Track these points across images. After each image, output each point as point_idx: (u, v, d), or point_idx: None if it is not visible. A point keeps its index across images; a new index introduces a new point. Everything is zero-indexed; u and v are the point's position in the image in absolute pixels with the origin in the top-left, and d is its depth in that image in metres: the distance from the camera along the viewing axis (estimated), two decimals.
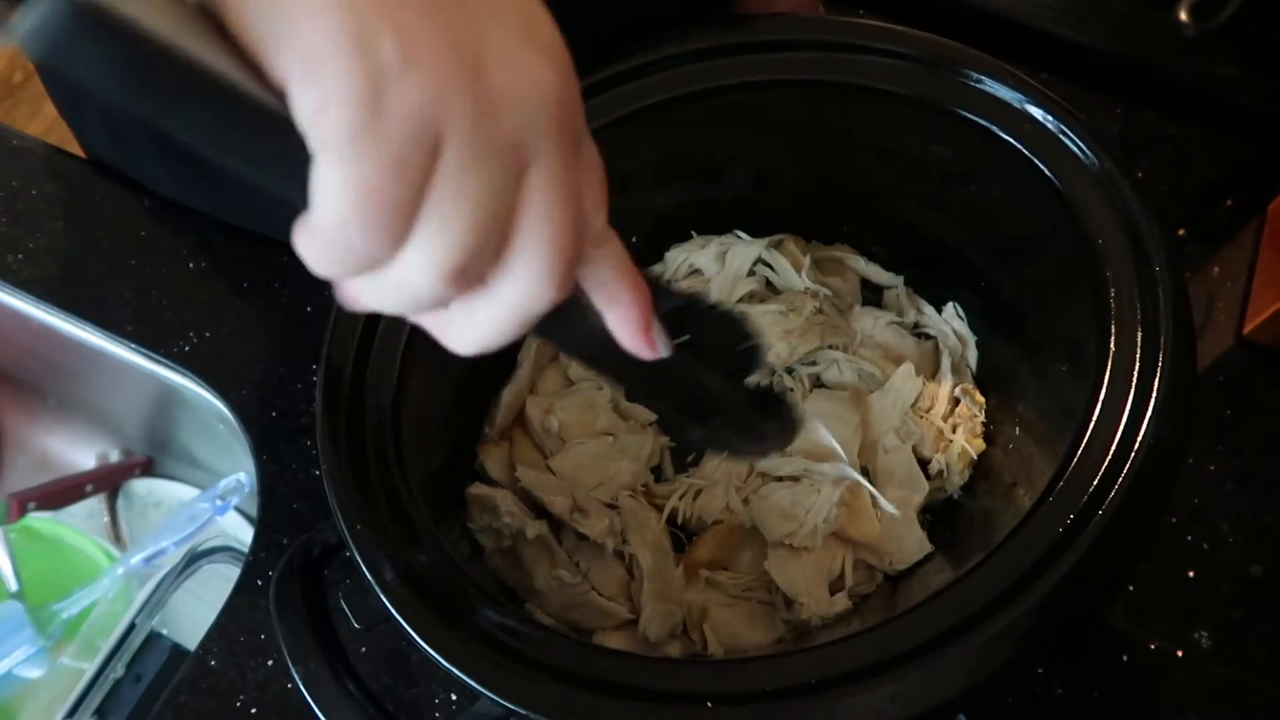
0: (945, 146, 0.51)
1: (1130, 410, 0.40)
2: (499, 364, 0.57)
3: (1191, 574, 0.55)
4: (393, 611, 0.40)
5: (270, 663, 0.56)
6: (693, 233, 0.60)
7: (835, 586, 0.51)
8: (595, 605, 0.51)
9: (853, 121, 0.53)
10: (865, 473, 0.53)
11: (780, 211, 0.59)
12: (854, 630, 0.40)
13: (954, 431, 0.54)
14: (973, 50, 0.49)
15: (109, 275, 0.68)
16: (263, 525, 0.60)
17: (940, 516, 0.54)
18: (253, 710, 0.55)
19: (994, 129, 0.47)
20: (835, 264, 0.60)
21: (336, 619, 0.44)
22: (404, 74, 0.22)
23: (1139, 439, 0.39)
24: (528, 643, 0.39)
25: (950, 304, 0.58)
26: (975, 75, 0.48)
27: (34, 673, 0.70)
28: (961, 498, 0.53)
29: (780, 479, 0.53)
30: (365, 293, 0.26)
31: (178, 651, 0.72)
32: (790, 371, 0.58)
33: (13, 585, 0.71)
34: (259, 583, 0.58)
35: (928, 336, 0.58)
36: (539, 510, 0.53)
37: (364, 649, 0.55)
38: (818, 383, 0.57)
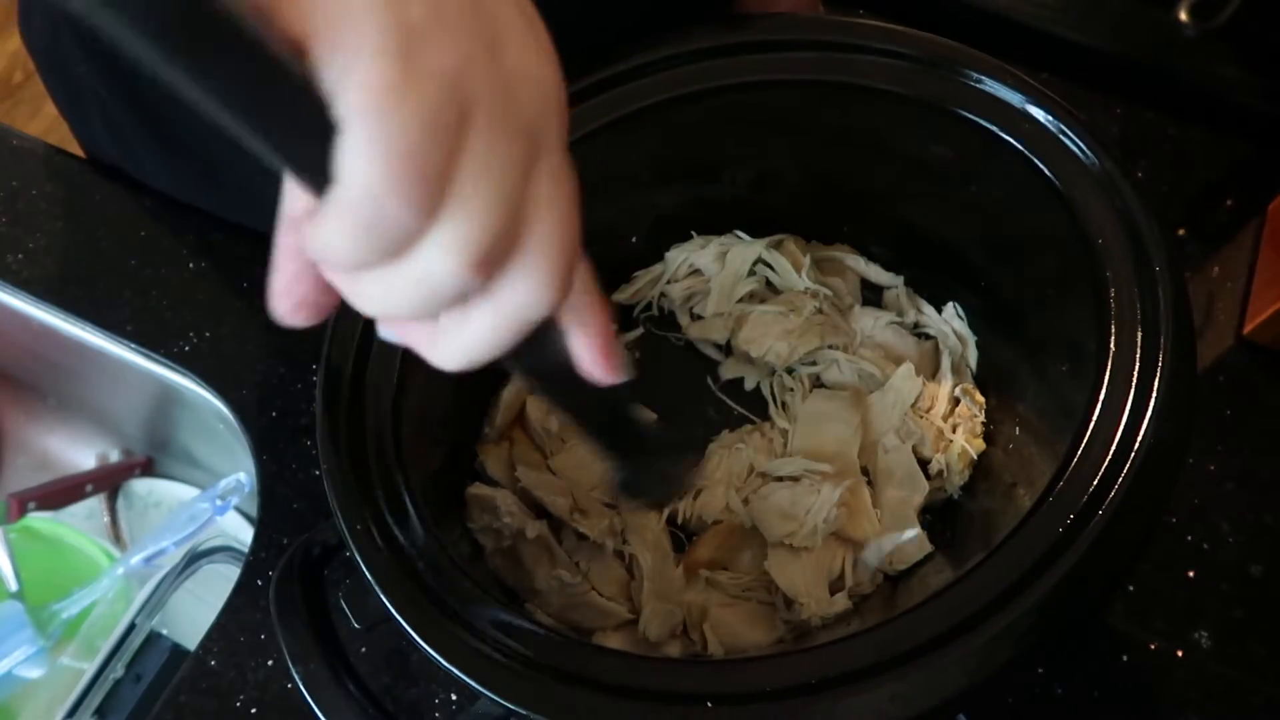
0: (945, 146, 0.51)
1: (1130, 410, 0.40)
2: (499, 364, 0.57)
3: (1191, 574, 0.55)
4: (393, 611, 0.40)
5: (270, 663, 0.56)
6: (693, 233, 0.60)
7: (835, 586, 0.51)
8: (595, 605, 0.51)
9: (853, 121, 0.53)
10: (865, 473, 0.53)
11: (780, 211, 0.59)
12: (854, 630, 0.40)
13: (954, 431, 0.54)
14: (973, 50, 0.49)
15: (109, 275, 0.68)
16: (263, 525, 0.60)
17: (940, 516, 0.54)
18: (253, 710, 0.55)
19: (994, 129, 0.47)
20: (835, 264, 0.60)
21: (336, 619, 0.44)
22: (434, 34, 0.22)
23: (1139, 439, 0.39)
24: (528, 643, 0.39)
25: (950, 304, 0.58)
26: (975, 75, 0.48)
27: (34, 673, 0.70)
28: (961, 498, 0.53)
29: (780, 479, 0.53)
30: (377, 291, 0.24)
31: (178, 651, 0.71)
32: (790, 371, 0.58)
33: (13, 585, 0.71)
34: (259, 583, 0.58)
35: (928, 336, 0.58)
36: (539, 510, 0.53)
37: (364, 649, 0.55)
38: (818, 383, 0.57)
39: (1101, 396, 0.41)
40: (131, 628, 0.67)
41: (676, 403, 0.58)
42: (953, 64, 0.49)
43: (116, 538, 0.85)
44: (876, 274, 0.60)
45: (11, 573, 0.72)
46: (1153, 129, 0.71)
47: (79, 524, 0.81)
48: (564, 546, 0.53)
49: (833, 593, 0.51)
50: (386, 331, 0.28)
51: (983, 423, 0.54)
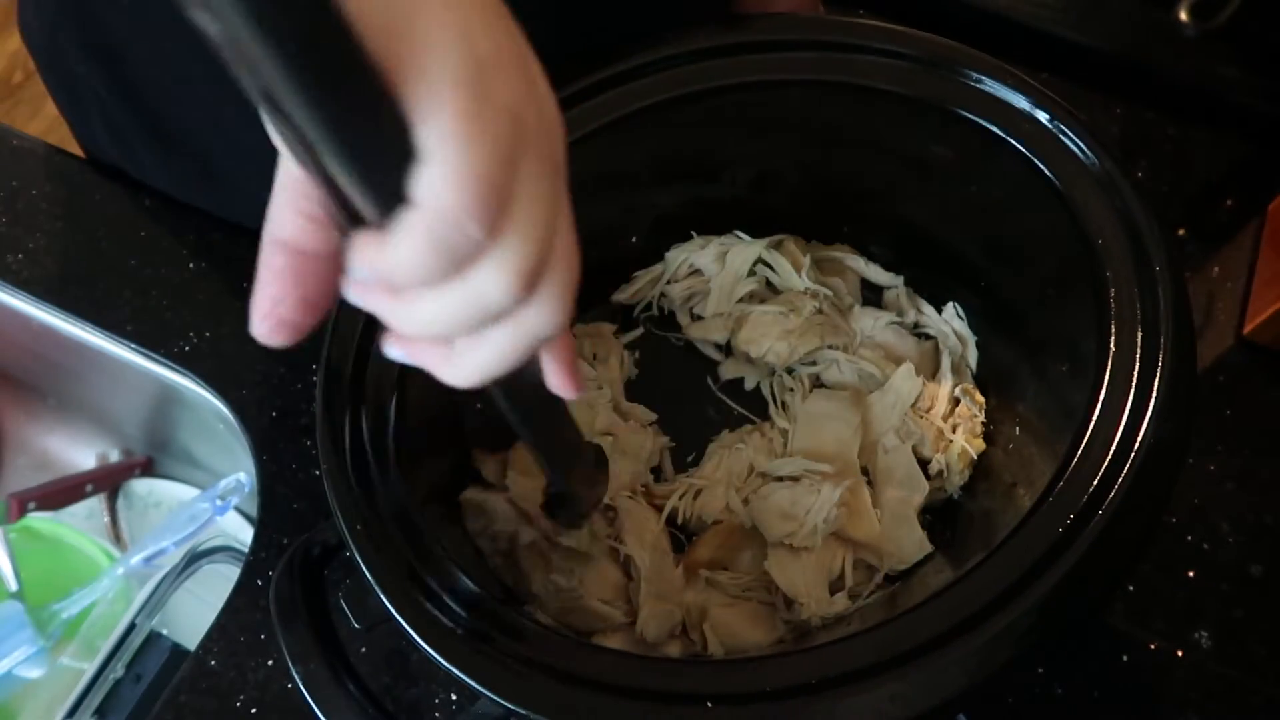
0: (945, 146, 0.51)
1: (1130, 410, 0.40)
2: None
3: (1191, 574, 0.55)
4: (393, 611, 0.40)
5: (270, 663, 0.56)
6: (693, 233, 0.60)
7: (835, 586, 0.51)
8: (591, 610, 0.51)
9: (853, 121, 0.53)
10: (865, 473, 0.53)
11: (780, 211, 0.59)
12: (854, 630, 0.40)
13: (954, 431, 0.54)
14: (973, 50, 0.49)
15: (109, 275, 0.68)
16: (263, 525, 0.60)
17: (940, 516, 0.54)
18: (253, 710, 0.55)
19: (994, 129, 0.47)
20: (835, 264, 0.60)
21: (336, 619, 0.44)
22: (499, 69, 0.24)
23: (1139, 439, 0.39)
24: (528, 643, 0.39)
25: (950, 304, 0.58)
26: (975, 75, 0.48)
27: (34, 673, 0.70)
28: (961, 498, 0.53)
29: (780, 479, 0.53)
30: (428, 309, 0.26)
31: (178, 651, 0.71)
32: (790, 371, 0.58)
33: (13, 585, 0.71)
34: (259, 583, 0.58)
35: (928, 336, 0.58)
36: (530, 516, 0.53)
37: (364, 649, 0.55)
38: (818, 383, 0.57)
39: (1101, 396, 0.41)
40: (131, 628, 0.67)
41: (676, 403, 0.58)
42: (953, 64, 0.49)
43: (116, 538, 0.85)
44: (876, 274, 0.60)
45: (11, 573, 0.72)
46: (1153, 129, 0.71)
47: (79, 524, 0.81)
48: (559, 551, 0.53)
49: (833, 593, 0.51)
50: (394, 351, 0.29)
51: (983, 423, 0.54)
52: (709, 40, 0.51)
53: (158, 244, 0.69)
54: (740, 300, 0.59)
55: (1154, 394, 0.40)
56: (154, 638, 0.71)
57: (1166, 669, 0.53)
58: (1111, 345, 0.42)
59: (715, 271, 0.59)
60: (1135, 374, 0.41)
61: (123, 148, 0.69)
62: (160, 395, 0.71)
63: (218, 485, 0.70)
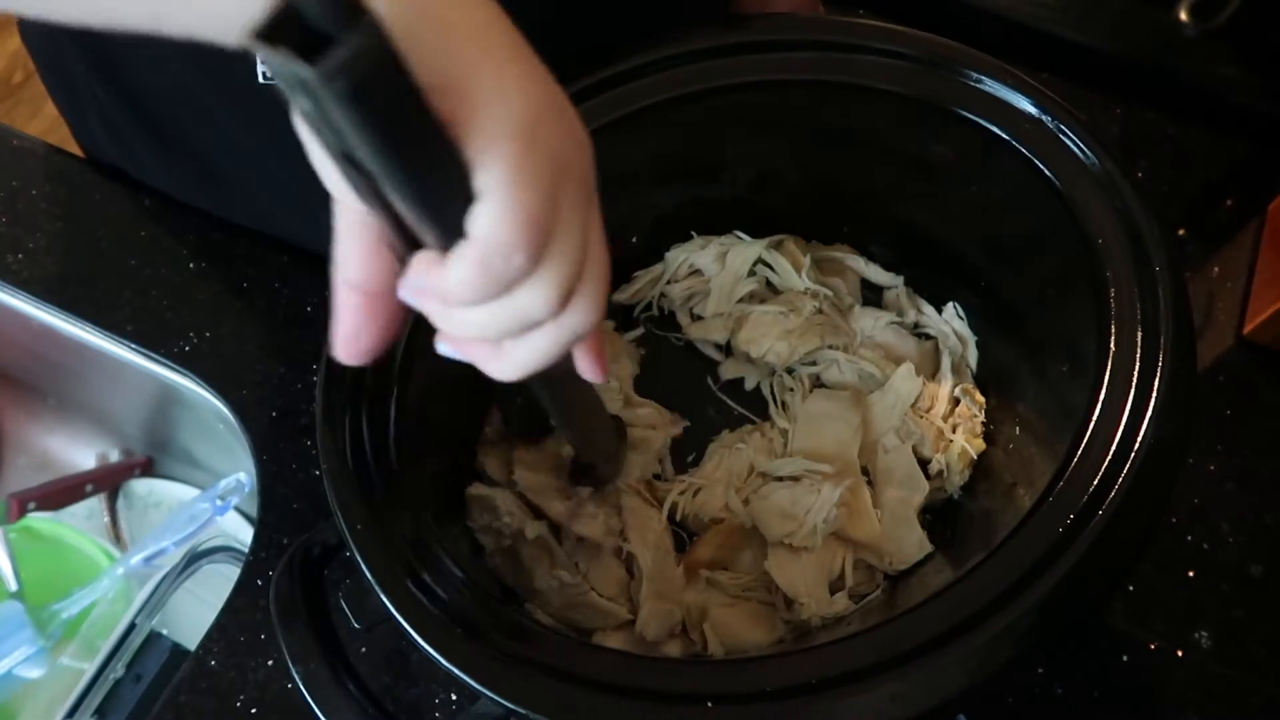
0: (945, 146, 0.51)
1: (1130, 410, 0.40)
2: None
3: (1191, 574, 0.55)
4: (393, 611, 0.40)
5: (270, 663, 0.56)
6: (693, 233, 0.60)
7: (835, 586, 0.51)
8: (595, 606, 0.51)
9: (853, 121, 0.53)
10: (865, 473, 0.53)
11: (780, 211, 0.59)
12: (854, 630, 0.40)
13: (954, 431, 0.54)
14: (973, 50, 0.49)
15: (109, 275, 0.68)
16: (263, 525, 0.60)
17: (940, 516, 0.54)
18: (253, 710, 0.55)
19: (994, 129, 0.47)
20: (835, 264, 0.60)
21: (336, 619, 0.44)
22: (547, 119, 0.27)
23: (1139, 439, 0.39)
24: (528, 642, 0.39)
25: (950, 304, 0.58)
26: (975, 75, 0.48)
27: (34, 673, 0.70)
28: (961, 498, 0.53)
29: (780, 479, 0.53)
30: (479, 319, 0.29)
31: (178, 651, 0.72)
32: (790, 371, 0.58)
33: (13, 585, 0.71)
34: (259, 583, 0.58)
35: (928, 336, 0.58)
36: (538, 510, 0.53)
37: (364, 649, 0.55)
38: (818, 383, 0.57)
39: (1101, 396, 0.41)
40: (131, 628, 0.67)
41: (676, 403, 0.58)
42: (953, 64, 0.49)
43: (116, 538, 0.85)
44: (876, 274, 0.60)
45: (11, 573, 0.72)
46: (1153, 129, 0.71)
47: (79, 524, 0.81)
48: (564, 547, 0.53)
49: (833, 593, 0.51)
50: (446, 349, 0.32)
51: (983, 423, 0.54)
52: (709, 40, 0.51)
53: (158, 244, 0.69)
54: (740, 300, 0.59)
55: (1154, 394, 0.40)
56: (154, 638, 0.71)
57: (1166, 669, 0.53)
58: (1111, 345, 0.42)
59: (715, 271, 0.59)
60: (1135, 374, 0.41)
61: (122, 148, 0.69)
62: (160, 395, 0.71)
63: (218, 485, 0.70)
